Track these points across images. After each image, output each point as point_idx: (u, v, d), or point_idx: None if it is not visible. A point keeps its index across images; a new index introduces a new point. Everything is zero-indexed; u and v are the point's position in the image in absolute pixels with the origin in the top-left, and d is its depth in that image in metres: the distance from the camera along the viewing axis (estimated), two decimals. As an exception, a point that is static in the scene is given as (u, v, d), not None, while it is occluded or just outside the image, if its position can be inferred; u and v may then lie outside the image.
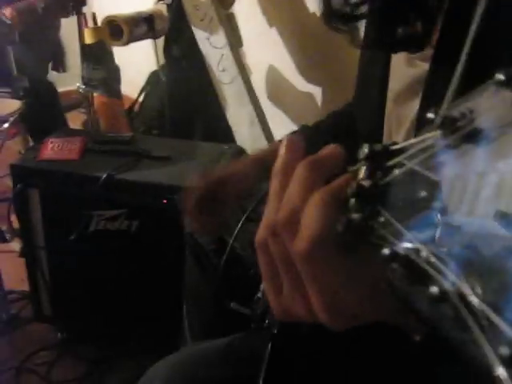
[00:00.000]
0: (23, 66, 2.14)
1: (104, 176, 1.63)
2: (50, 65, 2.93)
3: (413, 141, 0.36)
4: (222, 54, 2.28)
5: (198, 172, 1.60)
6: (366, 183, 0.40)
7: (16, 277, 2.03)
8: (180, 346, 1.44)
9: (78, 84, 2.32)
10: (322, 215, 0.40)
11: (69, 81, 2.86)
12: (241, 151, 1.83)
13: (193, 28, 2.29)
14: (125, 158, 1.72)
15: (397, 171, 0.38)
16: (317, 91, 2.45)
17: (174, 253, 1.46)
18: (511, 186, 0.27)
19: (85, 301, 1.86)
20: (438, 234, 0.31)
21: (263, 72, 2.66)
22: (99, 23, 2.34)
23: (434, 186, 0.33)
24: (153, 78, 2.77)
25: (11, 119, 2.04)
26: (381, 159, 0.40)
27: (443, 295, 0.29)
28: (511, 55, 0.68)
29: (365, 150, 0.40)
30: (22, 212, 1.80)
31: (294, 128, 1.17)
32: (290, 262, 0.42)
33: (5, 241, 2.27)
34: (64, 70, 2.91)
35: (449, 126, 0.32)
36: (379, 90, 0.91)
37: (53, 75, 2.93)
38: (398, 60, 0.87)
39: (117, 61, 2.44)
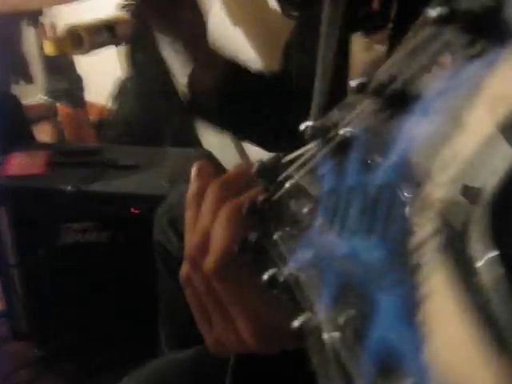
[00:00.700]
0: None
1: (69, 188, 1.60)
2: (13, 77, 2.89)
3: (301, 151, 0.35)
4: (182, 59, 2.25)
5: (165, 179, 1.60)
6: (259, 199, 0.39)
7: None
8: (159, 356, 1.43)
9: (39, 95, 2.29)
10: (226, 231, 0.39)
11: (32, 93, 2.82)
12: (208, 155, 1.82)
13: (155, 33, 2.26)
14: (91, 168, 1.70)
15: (288, 184, 0.37)
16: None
17: (147, 262, 1.45)
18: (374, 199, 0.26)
19: (61, 316, 1.84)
20: (315, 255, 0.30)
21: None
22: (58, 32, 2.31)
23: (316, 201, 0.32)
24: (120, 85, 2.74)
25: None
26: (273, 173, 0.39)
27: (307, 329, 0.28)
28: None
29: (257, 165, 0.39)
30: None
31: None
32: (212, 289, 0.41)
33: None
34: (30, 82, 2.87)
35: (322, 136, 0.31)
36: (339, 78, 0.90)
37: (18, 88, 2.89)
38: (356, 47, 0.86)
39: (83, 69, 2.42)
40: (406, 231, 0.22)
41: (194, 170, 0.47)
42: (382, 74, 0.26)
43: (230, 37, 2.52)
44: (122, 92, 2.63)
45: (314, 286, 0.29)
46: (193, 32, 1.00)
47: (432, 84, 0.23)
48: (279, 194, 0.38)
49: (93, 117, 2.63)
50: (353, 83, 0.27)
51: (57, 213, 1.66)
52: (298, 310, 0.30)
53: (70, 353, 1.93)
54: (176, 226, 1.24)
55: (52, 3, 2.29)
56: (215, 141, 2.28)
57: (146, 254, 1.45)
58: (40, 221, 1.69)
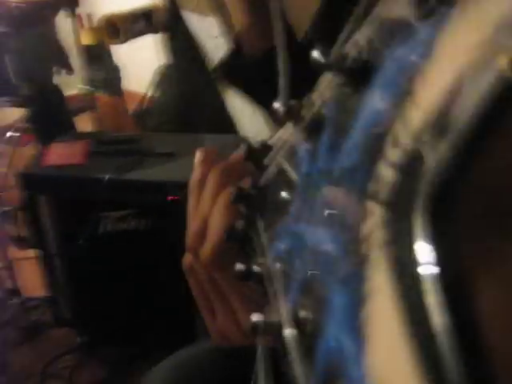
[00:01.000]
0: (23, 73, 2.13)
1: (108, 177, 1.62)
2: (54, 68, 2.93)
3: (281, 132, 0.33)
4: (218, 44, 2.24)
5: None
6: (245, 185, 0.37)
7: (36, 283, 2.04)
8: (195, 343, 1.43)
9: (79, 85, 2.31)
10: (223, 216, 0.38)
11: (72, 84, 2.85)
12: (245, 142, 1.80)
13: (186, 19, 2.26)
14: (129, 157, 1.71)
15: (271, 168, 0.35)
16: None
17: (185, 248, 1.45)
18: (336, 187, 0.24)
19: (102, 303, 1.87)
20: (289, 246, 0.29)
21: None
22: (95, 23, 2.32)
23: (293, 187, 0.30)
24: (159, 74, 2.75)
25: (15, 127, 2.04)
26: (260, 156, 0.37)
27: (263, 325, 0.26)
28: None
29: (243, 149, 0.38)
30: (32, 219, 1.80)
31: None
32: (213, 278, 0.40)
33: (23, 247, 2.29)
34: (71, 72, 2.90)
35: (292, 116, 0.29)
36: None
37: (59, 79, 2.92)
38: None
39: (121, 58, 2.43)
40: (361, 217, 0.20)
41: (197, 157, 0.46)
42: (340, 45, 0.25)
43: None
44: (161, 80, 2.64)
45: (282, 281, 0.27)
46: None
47: (391, 52, 0.21)
48: (264, 179, 0.37)
49: (131, 106, 2.64)
50: (312, 56, 0.25)
51: (96, 201, 1.68)
52: (267, 303, 0.29)
53: (111, 339, 1.96)
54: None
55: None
56: (250, 126, 2.27)
57: (183, 240, 1.46)
58: (80, 210, 1.71)
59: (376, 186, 0.19)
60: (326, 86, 0.26)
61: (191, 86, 2.45)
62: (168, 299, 1.75)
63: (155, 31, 2.47)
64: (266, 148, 0.37)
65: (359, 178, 0.20)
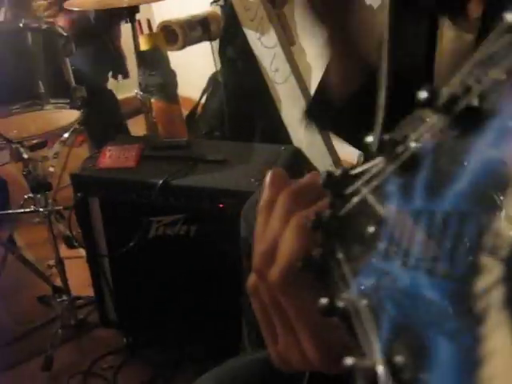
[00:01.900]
0: (81, 76, 2.18)
1: (160, 182, 1.63)
2: (110, 73, 2.99)
3: (370, 164, 0.33)
4: (274, 54, 2.25)
5: (253, 175, 1.61)
6: (326, 213, 0.36)
7: (83, 282, 2.07)
8: (240, 352, 1.43)
9: (135, 91, 2.35)
10: (295, 241, 0.37)
11: (128, 88, 2.90)
12: (297, 152, 1.80)
13: (244, 29, 2.28)
14: (181, 163, 1.73)
15: (355, 199, 0.34)
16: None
17: (233, 256, 1.45)
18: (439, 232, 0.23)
19: (149, 306, 1.88)
20: (376, 283, 0.28)
21: (320, 68, 2.62)
22: (154, 29, 2.36)
23: (380, 222, 0.29)
24: (212, 81, 2.78)
25: (72, 129, 2.08)
26: (340, 185, 0.36)
27: (359, 368, 0.25)
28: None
29: (323, 176, 0.37)
30: (83, 220, 1.83)
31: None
32: (278, 302, 0.39)
33: (72, 246, 2.33)
34: (127, 77, 2.96)
35: (388, 151, 0.28)
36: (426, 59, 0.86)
37: (115, 83, 2.98)
38: (445, 35, 0.83)
39: (176, 64, 2.46)
40: (474, 272, 0.19)
41: (267, 177, 0.46)
42: (452, 86, 0.24)
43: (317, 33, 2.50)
44: (214, 87, 2.66)
45: (372, 320, 0.27)
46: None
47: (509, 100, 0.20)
48: (345, 209, 0.36)
49: (186, 112, 2.67)
50: (421, 95, 0.25)
51: (146, 205, 1.70)
52: (354, 341, 0.28)
53: (156, 343, 1.98)
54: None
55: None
56: (304, 137, 2.26)
57: (233, 249, 1.46)
58: (130, 213, 1.74)
59: (494, 240, 0.18)
60: (429, 126, 0.25)
61: (243, 93, 2.47)
62: (214, 306, 1.75)
63: (211, 39, 2.49)
64: (346, 177, 0.36)
65: (469, 229, 0.20)
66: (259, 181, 1.58)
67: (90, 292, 2.04)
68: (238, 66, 2.48)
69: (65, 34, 1.97)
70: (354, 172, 0.36)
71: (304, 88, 2.33)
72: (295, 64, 2.35)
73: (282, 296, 0.39)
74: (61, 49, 1.98)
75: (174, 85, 2.40)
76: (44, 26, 1.93)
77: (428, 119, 0.25)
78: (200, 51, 2.60)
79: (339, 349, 0.38)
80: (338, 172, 0.36)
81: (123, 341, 1.98)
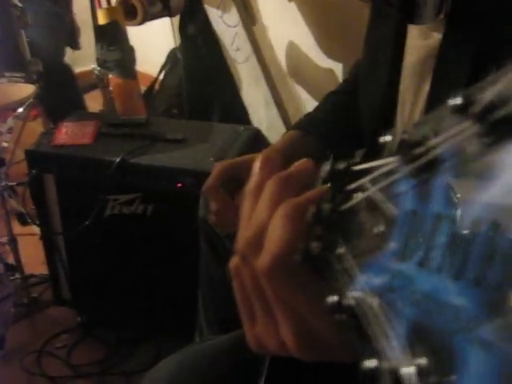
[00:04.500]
0: (37, 49, 2.12)
1: (117, 160, 1.61)
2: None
3: (376, 163, 0.32)
4: (236, 33, 2.23)
5: (212, 154, 1.60)
6: (327, 206, 0.36)
7: (37, 260, 2.04)
8: (196, 331, 1.43)
9: (93, 66, 2.30)
10: (285, 229, 0.37)
11: (85, 61, 2.84)
12: (257, 133, 1.80)
13: (205, 6, 2.25)
14: (139, 141, 1.70)
15: (359, 195, 0.34)
16: (337, 67, 2.39)
17: (190, 236, 1.45)
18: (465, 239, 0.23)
19: (103, 285, 1.86)
20: (389, 282, 0.28)
21: (283, 48, 2.61)
22: (113, 3, 2.31)
23: (391, 221, 0.29)
24: (171, 57, 2.74)
25: (26, 104, 2.03)
26: (343, 180, 0.36)
27: (380, 369, 0.25)
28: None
29: (326, 168, 0.37)
30: (38, 197, 1.80)
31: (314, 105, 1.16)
32: (260, 285, 0.39)
33: (26, 223, 2.29)
34: (77, 48, 2.88)
35: (406, 151, 0.28)
36: (392, 61, 0.88)
37: (69, 56, 2.91)
38: (413, 32, 0.84)
39: (135, 40, 2.42)
40: (506, 280, 0.19)
41: (257, 161, 0.45)
42: (488, 95, 0.23)
43: (284, 14, 2.49)
44: (173, 64, 2.63)
45: (386, 320, 0.26)
46: None
47: None
48: (349, 204, 0.36)
49: (144, 88, 2.63)
50: (451, 102, 0.24)
51: (103, 184, 1.67)
52: (362, 339, 0.28)
53: (110, 322, 1.96)
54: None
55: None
56: (264, 117, 2.26)
57: (189, 227, 1.46)
58: (86, 191, 1.71)
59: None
60: (457, 131, 0.25)
61: (203, 71, 2.45)
62: (170, 286, 1.75)
63: (171, 15, 2.46)
64: (348, 172, 0.36)
65: (502, 242, 0.20)
66: (218, 160, 1.57)
67: (43, 270, 2.02)
68: (199, 43, 2.45)
69: (19, 4, 1.91)
70: (358, 167, 0.36)
71: (265, 68, 2.32)
72: (257, 44, 2.33)
73: (268, 283, 0.39)
74: (15, 20, 1.93)
75: (132, 60, 2.36)
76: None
77: (456, 124, 0.24)
78: (159, 27, 2.56)
79: (320, 342, 0.38)
80: (341, 166, 0.36)
81: (77, 319, 1.96)
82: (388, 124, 0.91)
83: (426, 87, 0.81)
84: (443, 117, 0.26)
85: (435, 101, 0.75)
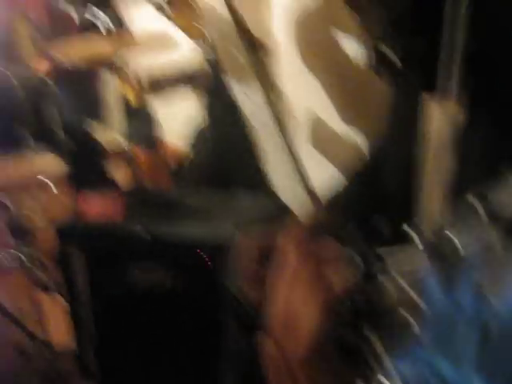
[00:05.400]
0: (62, 121, 2.19)
1: (143, 232, 1.64)
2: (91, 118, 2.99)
3: (400, 248, 0.34)
4: (256, 102, 2.28)
5: (237, 226, 1.62)
6: (359, 298, 0.38)
7: (63, 330, 2.03)
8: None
9: (119, 136, 2.36)
10: (319, 319, 0.39)
11: (113, 132, 2.90)
12: (280, 203, 1.82)
13: (229, 79, 2.31)
14: (165, 213, 1.73)
15: (389, 286, 0.36)
16: (360, 137, 2.41)
17: (216, 308, 1.45)
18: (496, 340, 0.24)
19: (130, 356, 1.86)
20: (417, 372, 0.29)
21: (303, 117, 2.65)
22: (140, 79, 2.38)
23: (421, 314, 0.31)
24: (197, 132, 2.78)
25: (52, 174, 2.08)
26: (366, 264, 0.38)
27: None
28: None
29: (355, 259, 0.38)
30: (65, 268, 1.82)
31: (337, 175, 1.17)
32: (293, 370, 0.41)
33: (51, 293, 2.30)
34: (101, 121, 2.95)
35: (434, 251, 0.29)
36: (412, 139, 0.89)
37: (96, 127, 2.98)
38: (434, 108, 0.85)
39: (161, 113, 2.47)
40: None
41: (288, 244, 0.47)
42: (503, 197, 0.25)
43: (304, 84, 2.54)
44: (199, 138, 2.68)
45: None
46: None
47: None
48: (374, 288, 0.37)
49: (169, 161, 2.68)
50: (472, 201, 0.26)
51: (129, 255, 1.69)
52: None
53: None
54: (246, 274, 1.24)
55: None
56: (287, 186, 2.28)
57: (215, 300, 1.47)
58: (111, 261, 1.73)
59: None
60: (479, 234, 0.26)
61: (227, 145, 2.49)
62: (192, 358, 1.73)
63: (196, 92, 2.52)
64: (370, 256, 0.38)
65: None
66: (242, 230, 1.59)
67: (69, 341, 2.01)
68: (223, 118, 2.50)
69: (50, 82, 1.99)
70: (379, 251, 0.37)
71: (286, 136, 2.34)
72: (277, 112, 2.37)
73: (301, 370, 0.40)
74: (45, 96, 2.00)
75: (158, 133, 2.41)
76: (30, 75, 1.94)
77: (480, 226, 0.26)
78: (184, 102, 2.62)
79: None
80: (362, 250, 0.38)
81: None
82: (410, 207, 0.92)
83: (448, 166, 0.82)
84: (468, 218, 0.28)
85: (457, 185, 0.76)
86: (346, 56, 2.38)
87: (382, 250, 0.38)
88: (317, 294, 0.40)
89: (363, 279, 0.39)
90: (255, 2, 2.43)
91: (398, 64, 0.87)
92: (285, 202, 1.87)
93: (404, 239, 0.36)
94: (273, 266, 0.61)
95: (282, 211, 1.80)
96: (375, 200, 1.09)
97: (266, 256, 0.97)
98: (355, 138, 2.42)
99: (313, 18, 2.46)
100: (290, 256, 0.46)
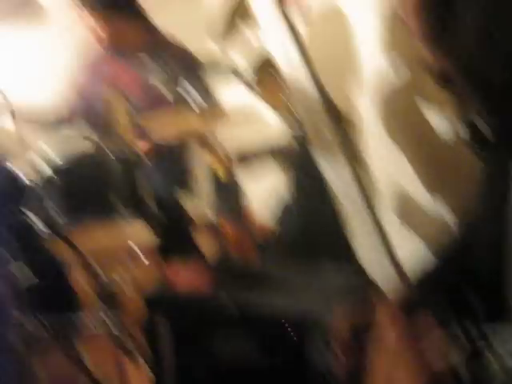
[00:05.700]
0: (154, 192, 2.26)
1: (229, 303, 1.65)
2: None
3: (504, 326, 0.33)
4: (343, 176, 2.29)
5: (330, 304, 1.60)
6: (464, 376, 0.37)
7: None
8: None
9: (206, 209, 2.41)
10: None
11: (200, 202, 2.97)
12: (366, 280, 1.80)
13: (313, 151, 2.34)
14: (251, 284, 1.74)
15: (492, 361, 0.35)
16: (448, 212, 2.37)
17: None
18: None
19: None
20: None
21: (390, 191, 2.64)
22: (229, 153, 2.45)
23: None
24: (284, 206, 2.81)
25: (141, 244, 2.14)
26: (477, 343, 0.37)
27: None
28: None
29: (462, 340, 0.38)
30: (152, 337, 1.84)
31: (424, 250, 1.14)
32: None
33: (136, 360, 2.32)
34: (191, 194, 3.04)
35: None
36: (505, 216, 0.87)
37: (185, 199, 3.06)
38: None
39: (248, 186, 2.52)
40: None
41: (383, 313, 0.47)
42: None
43: (391, 159, 2.54)
44: (286, 212, 2.70)
45: None
46: None
47: None
48: (480, 367, 0.37)
49: (255, 233, 2.71)
50: None
51: (214, 324, 1.70)
52: None
53: None
54: (336, 349, 1.22)
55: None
56: (373, 261, 2.25)
57: (301, 375, 1.44)
58: (198, 330, 1.74)
59: None
60: None
61: (314, 219, 2.50)
62: None
63: (283, 166, 2.57)
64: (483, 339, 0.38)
65: None
66: (330, 304, 1.57)
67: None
68: (310, 193, 2.52)
69: (148, 162, 2.08)
70: (485, 328, 0.37)
71: (371, 209, 2.33)
72: (362, 184, 2.37)
73: None
74: (138, 168, 2.09)
75: (246, 208, 2.46)
76: (125, 149, 2.04)
77: None
78: (274, 176, 2.67)
79: None
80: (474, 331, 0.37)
81: None
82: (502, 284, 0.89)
83: None
84: None
85: None
86: (432, 130, 2.37)
87: (485, 327, 0.38)
88: (419, 372, 0.40)
89: (468, 358, 0.38)
90: (342, 80, 2.48)
91: (491, 138, 0.86)
92: (372, 276, 1.84)
93: (498, 317, 0.36)
94: (371, 341, 0.61)
95: (368, 285, 1.78)
96: (465, 277, 1.05)
97: (358, 332, 0.95)
98: (442, 212, 2.38)
99: (400, 94, 2.48)
100: (388, 332, 0.45)
